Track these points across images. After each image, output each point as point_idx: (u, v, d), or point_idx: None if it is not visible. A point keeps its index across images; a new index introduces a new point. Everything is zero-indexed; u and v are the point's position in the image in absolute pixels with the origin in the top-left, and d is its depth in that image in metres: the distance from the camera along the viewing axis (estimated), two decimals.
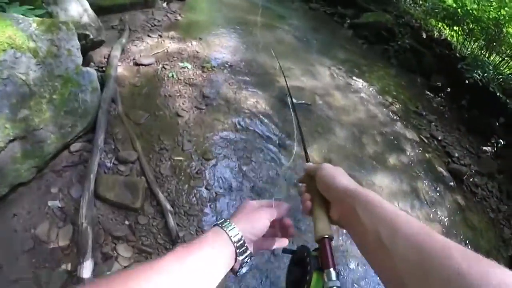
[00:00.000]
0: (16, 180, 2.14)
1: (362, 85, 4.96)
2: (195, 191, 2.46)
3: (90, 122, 2.74)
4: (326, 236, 0.62)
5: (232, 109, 3.27)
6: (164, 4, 5.00)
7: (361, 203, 0.58)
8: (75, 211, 2.16)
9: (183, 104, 3.17)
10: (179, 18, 4.78)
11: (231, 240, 0.61)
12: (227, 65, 3.96)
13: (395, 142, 4.02)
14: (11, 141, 2.10)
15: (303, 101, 3.83)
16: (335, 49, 5.97)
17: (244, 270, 0.66)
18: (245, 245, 0.63)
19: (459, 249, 0.43)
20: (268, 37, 5.27)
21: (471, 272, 0.39)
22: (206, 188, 2.50)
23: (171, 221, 2.20)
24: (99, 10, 4.24)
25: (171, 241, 2.18)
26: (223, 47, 4.36)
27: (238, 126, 3.11)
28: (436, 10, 8.02)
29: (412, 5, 9.79)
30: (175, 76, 3.49)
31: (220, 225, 0.64)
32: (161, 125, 2.91)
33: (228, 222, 0.64)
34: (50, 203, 2.21)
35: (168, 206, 2.27)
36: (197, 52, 4.03)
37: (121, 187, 2.32)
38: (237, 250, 0.62)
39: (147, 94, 3.20)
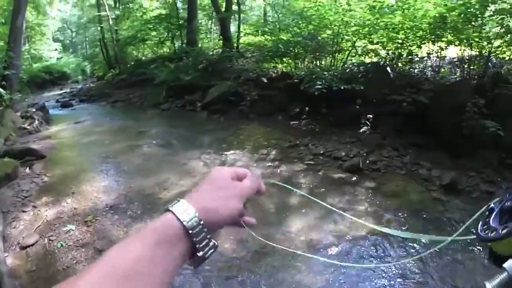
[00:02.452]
0: None
1: (236, 154, 5.81)
2: None
3: None
4: None
5: None
6: (27, 170, 5.25)
7: None
8: None
9: (83, 269, 3.56)
10: (45, 179, 5.10)
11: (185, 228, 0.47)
12: (108, 209, 4.48)
13: (291, 179, 4.86)
14: None
15: None
16: (197, 137, 6.87)
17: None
18: (207, 237, 0.49)
19: None
20: (135, 159, 5.96)
21: None
22: None
23: None
24: None
25: None
26: (97, 191, 4.86)
27: None
28: (265, 55, 9.69)
29: (244, 61, 11.47)
30: (64, 244, 3.85)
31: (171, 209, 0.49)
32: None
33: (182, 203, 0.50)
34: None
35: None
36: (75, 208, 4.45)
37: None
38: (196, 245, 0.48)
39: (47, 276, 3.51)
